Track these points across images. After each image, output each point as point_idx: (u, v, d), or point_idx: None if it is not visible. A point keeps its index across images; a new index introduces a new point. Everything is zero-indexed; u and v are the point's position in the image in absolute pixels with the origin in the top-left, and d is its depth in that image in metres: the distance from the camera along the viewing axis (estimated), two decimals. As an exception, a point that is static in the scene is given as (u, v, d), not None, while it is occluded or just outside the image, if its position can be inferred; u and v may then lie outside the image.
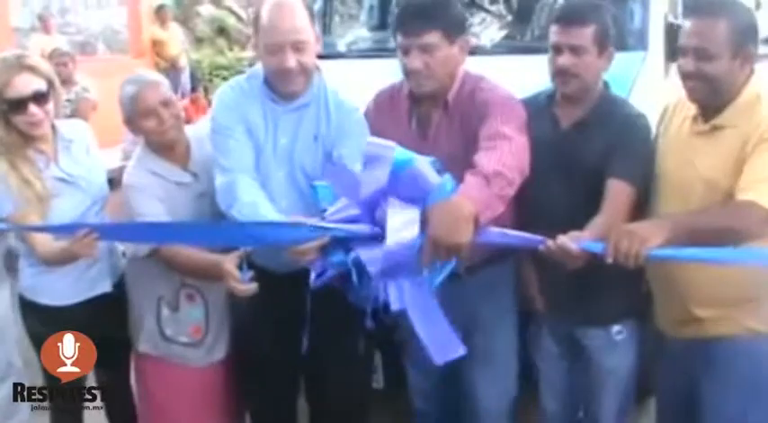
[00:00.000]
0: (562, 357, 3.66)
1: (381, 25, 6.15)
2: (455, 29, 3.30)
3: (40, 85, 3.44)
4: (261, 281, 3.16)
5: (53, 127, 3.58)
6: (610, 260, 2.83)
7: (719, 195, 3.03)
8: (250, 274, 3.16)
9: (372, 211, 2.91)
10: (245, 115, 3.42)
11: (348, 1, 6.50)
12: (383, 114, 3.53)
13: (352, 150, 3.28)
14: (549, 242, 2.94)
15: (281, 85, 3.39)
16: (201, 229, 3.39)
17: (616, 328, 3.48)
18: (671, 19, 5.09)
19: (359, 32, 6.27)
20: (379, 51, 5.47)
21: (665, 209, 3.23)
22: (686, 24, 3.10)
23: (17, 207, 3.37)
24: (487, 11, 5.79)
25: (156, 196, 3.47)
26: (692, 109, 3.19)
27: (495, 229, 2.99)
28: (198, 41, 17.81)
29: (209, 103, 13.48)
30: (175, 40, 15.18)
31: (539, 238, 3.00)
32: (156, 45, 14.80)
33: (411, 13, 3.31)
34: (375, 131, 3.34)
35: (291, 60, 3.29)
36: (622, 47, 4.99)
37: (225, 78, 15.52)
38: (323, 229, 2.97)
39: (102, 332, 3.47)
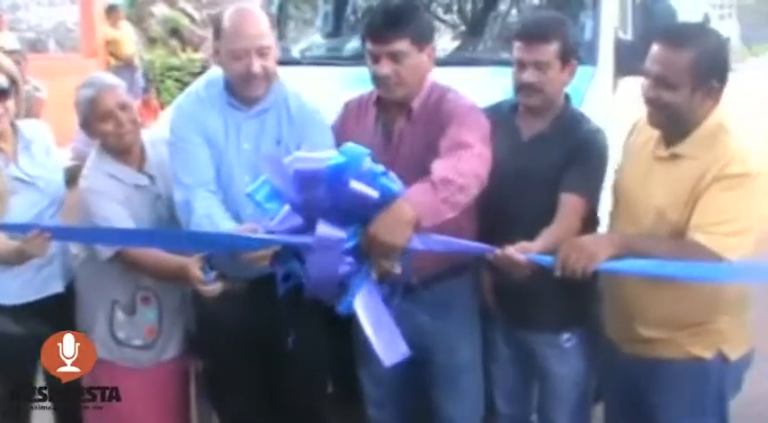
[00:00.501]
0: (514, 362, 3.69)
1: (336, 32, 6.17)
2: (423, 36, 3.33)
3: (1, 82, 3.44)
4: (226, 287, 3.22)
5: (13, 126, 3.57)
6: (557, 273, 2.91)
7: (667, 226, 3.05)
8: (213, 274, 3.20)
9: (313, 219, 2.91)
10: (203, 124, 3.45)
11: (303, 6, 6.52)
12: (351, 123, 3.54)
13: (313, 149, 3.29)
14: (498, 251, 2.99)
15: (245, 90, 3.43)
16: (160, 235, 3.45)
17: (566, 335, 3.51)
18: (620, 34, 5.13)
19: (313, 39, 6.26)
20: (333, 59, 5.49)
21: (616, 226, 3.29)
22: (653, 48, 3.08)
23: None
24: (442, 20, 5.84)
25: (115, 199, 3.48)
26: (656, 131, 3.20)
27: (439, 237, 3.03)
28: (151, 42, 17.70)
29: (161, 105, 13.46)
30: (128, 39, 15.06)
31: (486, 246, 3.04)
32: (109, 44, 14.64)
33: (380, 21, 3.33)
34: (343, 140, 3.32)
35: (256, 65, 3.35)
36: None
37: (177, 79, 15.50)
38: (270, 240, 3.01)
39: (51, 333, 3.44)
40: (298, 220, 2.95)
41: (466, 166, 3.07)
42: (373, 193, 2.83)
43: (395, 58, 3.26)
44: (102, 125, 3.49)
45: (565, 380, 3.58)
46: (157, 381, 3.72)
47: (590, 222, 3.35)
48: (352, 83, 3.88)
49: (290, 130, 3.49)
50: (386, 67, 3.27)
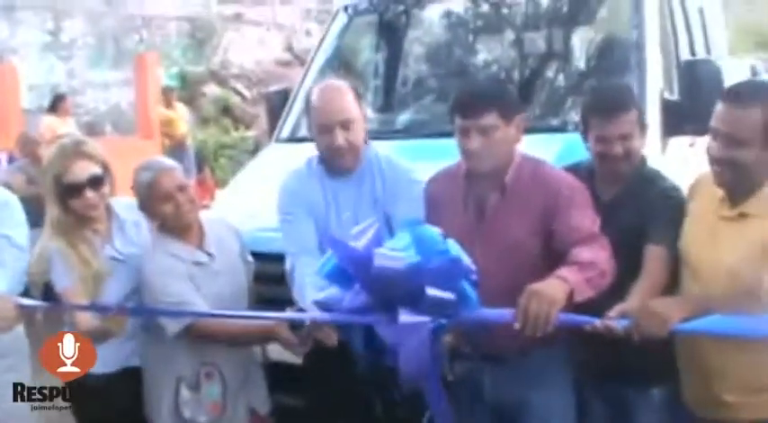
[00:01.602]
0: (607, 418, 3.66)
1: (387, 106, 6.30)
2: (511, 109, 3.35)
3: (96, 171, 3.61)
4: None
5: (108, 207, 3.72)
6: (634, 338, 2.91)
7: (741, 287, 3.00)
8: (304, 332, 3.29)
9: (382, 300, 2.97)
10: (305, 198, 3.64)
11: (353, 82, 6.65)
12: (438, 196, 3.55)
13: (408, 211, 3.46)
14: (597, 322, 2.98)
15: (333, 162, 3.62)
16: (233, 315, 3.55)
17: (656, 390, 3.53)
18: (667, 95, 5.17)
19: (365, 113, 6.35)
20: (385, 133, 5.52)
21: (687, 290, 3.25)
22: (719, 107, 3.05)
23: (73, 283, 3.51)
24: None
25: (178, 276, 3.58)
26: (719, 191, 3.16)
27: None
28: (203, 121, 17.96)
29: (216, 183, 13.63)
30: (182, 119, 15.26)
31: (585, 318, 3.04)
32: (164, 125, 14.87)
33: (469, 96, 3.36)
34: (434, 204, 3.47)
35: (340, 138, 3.54)
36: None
37: (230, 157, 15.71)
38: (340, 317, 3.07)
39: (129, 404, 3.58)
40: (366, 299, 2.99)
41: (604, 255, 3.19)
42: (449, 296, 2.90)
43: (484, 131, 3.27)
44: (162, 207, 3.59)
45: None
46: None
47: (676, 275, 3.32)
48: (406, 155, 3.97)
49: (385, 190, 3.65)
50: (475, 142, 3.28)
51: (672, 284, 3.24)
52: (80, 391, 3.65)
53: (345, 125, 3.56)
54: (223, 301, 3.62)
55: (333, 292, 3.07)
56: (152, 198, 3.61)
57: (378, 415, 3.75)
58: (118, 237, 3.74)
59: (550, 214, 3.30)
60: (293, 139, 5.98)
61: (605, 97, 3.67)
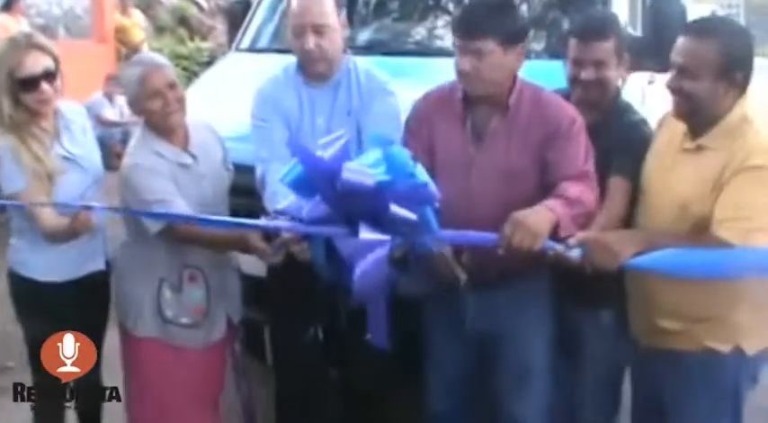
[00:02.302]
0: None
1: (347, 23, 6.22)
2: (512, 37, 3.28)
3: (50, 63, 3.53)
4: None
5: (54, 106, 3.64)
6: (586, 270, 2.98)
7: (691, 219, 3.08)
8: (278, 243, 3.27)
9: (344, 213, 2.96)
10: (279, 104, 3.67)
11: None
12: (434, 114, 3.49)
13: (380, 123, 3.53)
14: (556, 248, 3.04)
15: (307, 66, 3.65)
16: (201, 220, 3.48)
17: (605, 312, 3.61)
18: (630, 31, 5.18)
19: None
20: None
21: (640, 220, 3.32)
22: (679, 40, 3.11)
23: (27, 183, 3.45)
24: (452, 13, 5.89)
25: (162, 174, 3.55)
26: (683, 124, 3.21)
27: (454, 232, 3.11)
28: (159, 30, 17.72)
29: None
30: (138, 27, 15.14)
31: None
32: (119, 32, 14.72)
33: (467, 18, 3.31)
34: (428, 126, 3.44)
35: (311, 42, 3.56)
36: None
37: (185, 68, 15.48)
38: (304, 231, 3.08)
39: (86, 312, 3.57)
40: (326, 210, 2.99)
41: (591, 195, 3.24)
42: (411, 216, 2.90)
43: (478, 54, 3.23)
44: (150, 103, 3.55)
45: (600, 358, 3.65)
46: (202, 362, 3.78)
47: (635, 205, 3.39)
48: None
49: (360, 102, 3.68)
50: (467, 64, 3.26)
51: (632, 215, 3.31)
52: (29, 300, 3.67)
53: (318, 29, 3.57)
54: (206, 205, 3.62)
55: (293, 200, 3.06)
56: (141, 94, 3.56)
57: (341, 328, 3.77)
58: (66, 136, 3.69)
59: (548, 141, 3.30)
60: (253, 49, 5.96)
61: (586, 22, 3.72)
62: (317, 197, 3.00)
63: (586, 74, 3.47)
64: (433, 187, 2.95)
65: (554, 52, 5.07)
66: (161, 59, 3.67)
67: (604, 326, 3.61)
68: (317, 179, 2.94)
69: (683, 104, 3.12)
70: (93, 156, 3.77)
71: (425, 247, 3.10)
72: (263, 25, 6.11)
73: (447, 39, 5.54)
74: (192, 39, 17.74)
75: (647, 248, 2.94)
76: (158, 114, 3.56)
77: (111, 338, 3.92)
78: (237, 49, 6.03)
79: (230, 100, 3.82)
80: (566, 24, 5.45)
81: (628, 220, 3.35)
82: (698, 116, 3.12)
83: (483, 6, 3.34)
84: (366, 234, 2.87)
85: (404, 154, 2.98)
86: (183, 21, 18.19)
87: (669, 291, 3.18)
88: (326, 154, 2.91)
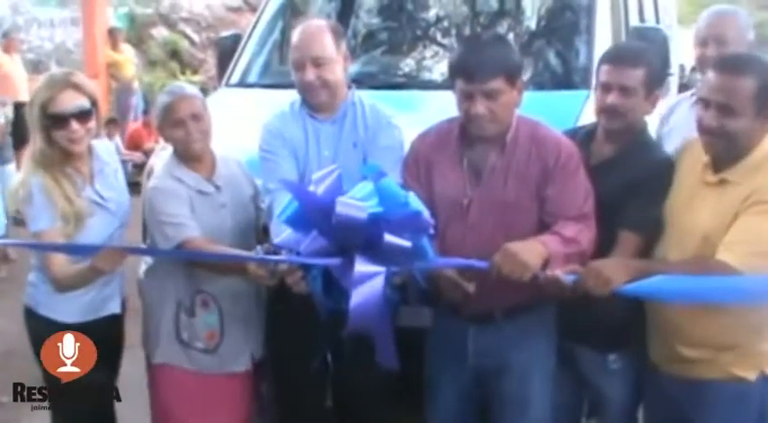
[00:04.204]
0: (560, 372, 3.65)
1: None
2: (515, 72, 3.31)
3: (84, 103, 3.53)
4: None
5: (89, 147, 3.66)
6: (578, 293, 3.04)
7: (712, 251, 3.05)
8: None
9: (341, 246, 3.02)
10: (287, 138, 3.71)
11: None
12: (431, 153, 3.50)
13: (385, 156, 3.55)
14: (548, 273, 3.09)
15: (308, 99, 3.69)
16: (204, 255, 3.58)
17: (612, 356, 3.54)
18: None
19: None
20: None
21: (663, 250, 3.30)
22: (711, 76, 3.09)
23: (53, 222, 3.45)
24: (440, 44, 5.96)
25: (180, 199, 3.63)
26: (705, 156, 3.20)
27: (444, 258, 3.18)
28: (150, 64, 17.78)
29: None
30: (129, 61, 15.19)
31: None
32: (110, 67, 14.81)
33: (476, 60, 3.26)
34: (425, 166, 3.47)
35: (310, 74, 3.61)
36: (567, 85, 5.25)
37: (177, 101, 15.54)
38: (299, 262, 3.13)
39: (100, 355, 3.51)
40: (323, 243, 3.04)
41: (588, 235, 3.28)
42: (406, 244, 2.95)
43: (490, 96, 3.22)
44: (173, 132, 3.65)
45: (610, 399, 3.63)
46: (223, 389, 3.82)
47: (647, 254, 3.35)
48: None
49: (366, 134, 3.72)
50: (481, 106, 3.23)
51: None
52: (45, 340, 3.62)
53: (317, 62, 3.63)
54: (223, 234, 3.69)
55: (290, 233, 3.13)
56: (166, 122, 3.66)
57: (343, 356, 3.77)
58: (99, 179, 3.69)
59: (547, 177, 3.32)
60: (242, 84, 5.99)
61: (620, 47, 3.76)
62: (314, 232, 3.06)
63: (612, 98, 3.35)
64: (426, 214, 2.99)
65: (538, 83, 5.17)
66: (190, 90, 3.75)
67: (613, 370, 3.57)
68: (313, 214, 3.01)
69: (720, 142, 3.10)
70: (123, 199, 3.78)
71: (424, 272, 3.17)
72: (253, 60, 6.15)
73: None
74: (183, 72, 17.80)
75: (639, 275, 2.99)
76: (180, 143, 3.67)
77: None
78: (227, 85, 6.07)
79: (223, 137, 3.85)
80: (549, 53, 5.55)
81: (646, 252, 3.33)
82: (730, 151, 3.11)
83: (487, 47, 3.34)
84: (361, 266, 2.93)
85: (395, 185, 3.05)
86: (175, 54, 18.27)
87: (693, 320, 3.17)
88: (320, 189, 2.99)
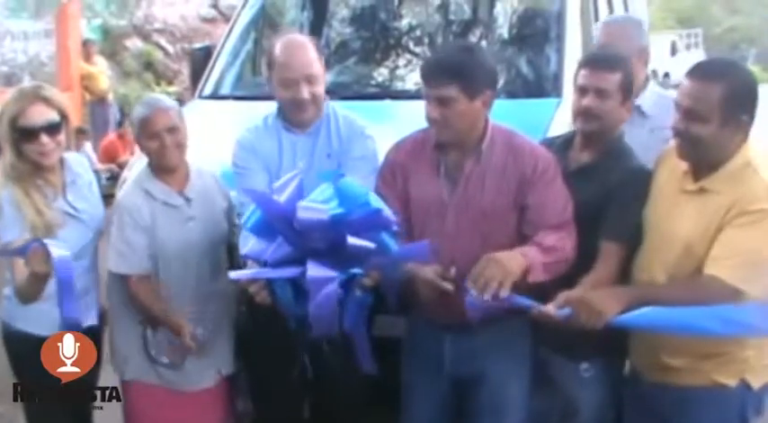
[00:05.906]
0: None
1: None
2: (477, 85, 3.27)
3: (53, 117, 3.53)
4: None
5: (61, 160, 3.67)
6: (573, 327, 3.06)
7: (694, 261, 3.10)
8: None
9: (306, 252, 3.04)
10: (259, 152, 3.73)
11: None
12: (407, 161, 3.52)
13: (359, 166, 3.60)
14: (541, 307, 3.11)
15: (296, 115, 3.71)
16: None
17: (584, 365, 3.58)
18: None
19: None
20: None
21: (643, 260, 3.33)
22: (683, 82, 3.11)
23: (21, 233, 3.43)
24: (413, 54, 6.00)
25: (139, 221, 3.67)
26: (684, 164, 3.21)
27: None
28: (125, 76, 17.74)
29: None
30: (103, 74, 15.14)
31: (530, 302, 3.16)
32: (85, 79, 14.71)
33: (432, 66, 3.37)
34: (402, 174, 3.49)
35: (305, 92, 3.62)
36: (537, 93, 5.28)
37: (152, 113, 15.51)
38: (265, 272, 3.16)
39: None
40: (289, 250, 3.08)
41: (569, 243, 3.32)
42: (369, 245, 2.99)
43: (443, 102, 3.25)
44: (149, 143, 3.67)
45: (582, 407, 3.64)
46: (188, 406, 3.83)
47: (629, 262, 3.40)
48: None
49: (340, 144, 3.75)
50: (434, 111, 3.28)
51: (624, 276, 3.35)
52: (22, 353, 3.65)
53: (310, 79, 3.65)
54: (190, 247, 3.72)
55: (254, 243, 3.17)
56: (142, 133, 3.68)
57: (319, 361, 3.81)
58: (71, 191, 3.69)
59: (526, 186, 3.35)
60: (215, 96, 6.00)
61: (598, 53, 3.80)
62: (279, 239, 3.09)
63: (587, 101, 3.40)
64: (387, 212, 3.04)
65: (509, 91, 5.19)
66: (166, 103, 3.77)
67: (585, 378, 3.60)
68: (276, 221, 3.04)
69: (689, 147, 3.13)
70: (97, 211, 3.78)
71: (395, 271, 3.20)
72: (225, 72, 6.17)
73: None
74: (158, 83, 17.79)
75: (632, 303, 3.01)
76: (155, 154, 3.69)
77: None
78: (201, 97, 6.07)
79: (196, 149, 3.85)
80: (520, 61, 5.58)
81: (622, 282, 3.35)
82: (702, 158, 3.13)
83: (446, 54, 3.44)
84: (313, 271, 2.96)
85: (354, 185, 3.09)
86: (149, 66, 18.26)
87: None
88: (282, 197, 3.02)
